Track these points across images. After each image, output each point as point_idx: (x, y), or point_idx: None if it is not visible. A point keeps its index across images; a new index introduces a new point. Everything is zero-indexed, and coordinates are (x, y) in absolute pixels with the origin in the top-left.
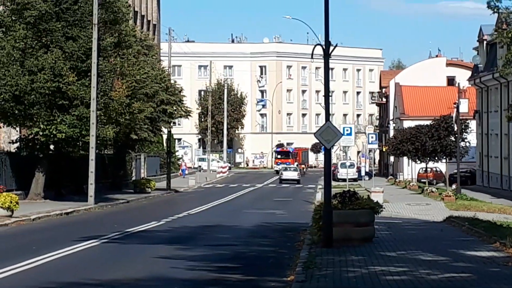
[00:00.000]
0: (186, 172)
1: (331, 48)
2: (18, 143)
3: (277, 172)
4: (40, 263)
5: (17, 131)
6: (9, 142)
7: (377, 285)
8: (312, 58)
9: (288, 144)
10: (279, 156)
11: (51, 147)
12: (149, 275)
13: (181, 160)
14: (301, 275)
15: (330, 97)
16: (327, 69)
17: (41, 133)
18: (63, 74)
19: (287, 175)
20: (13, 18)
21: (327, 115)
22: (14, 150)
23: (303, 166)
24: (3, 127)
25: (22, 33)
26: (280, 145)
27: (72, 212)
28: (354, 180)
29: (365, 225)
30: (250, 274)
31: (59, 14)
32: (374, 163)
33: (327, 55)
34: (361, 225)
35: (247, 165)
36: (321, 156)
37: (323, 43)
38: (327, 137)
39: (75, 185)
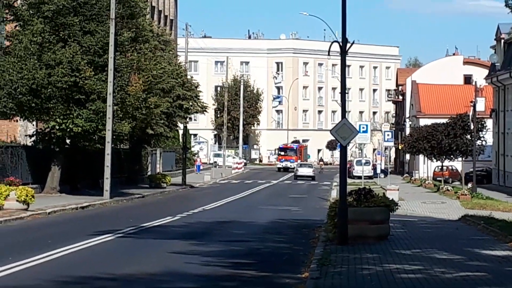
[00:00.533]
0: (201, 168)
1: (348, 45)
2: (34, 137)
3: (279, 169)
4: (55, 256)
5: (33, 124)
6: (26, 136)
7: (392, 283)
8: (329, 55)
9: (303, 141)
10: (282, 153)
11: (67, 141)
12: (164, 270)
13: (196, 156)
14: (316, 272)
15: (346, 94)
16: (343, 66)
17: (57, 127)
18: (80, 68)
19: (302, 171)
20: (31, 12)
21: (343, 112)
22: (30, 144)
23: (321, 163)
24: (20, 120)
25: (39, 27)
26: (297, 140)
27: (88, 206)
28: (370, 177)
29: (380, 222)
30: (265, 271)
31: (76, 8)
32: (390, 161)
33: (344, 52)
34: (376, 223)
35: (260, 161)
36: (336, 153)
37: (340, 40)
38: (343, 134)
39: (90, 179)
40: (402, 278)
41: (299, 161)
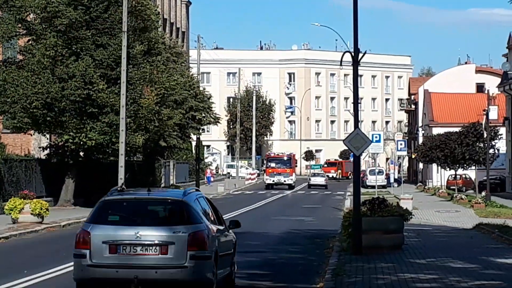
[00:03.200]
0: (212, 179)
1: (360, 55)
2: (48, 150)
3: (269, 186)
4: (70, 269)
5: (47, 138)
6: (39, 149)
7: None
8: (341, 65)
9: (316, 151)
10: (272, 165)
11: (81, 154)
12: None
13: (206, 167)
14: (331, 282)
15: (359, 104)
16: (356, 76)
17: (71, 140)
18: (93, 81)
19: (315, 180)
20: (44, 26)
21: (356, 122)
22: (44, 157)
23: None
24: (33, 134)
25: (52, 41)
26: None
27: None
28: (383, 187)
29: (394, 232)
30: (280, 281)
31: (89, 22)
32: (403, 170)
33: (356, 62)
34: (391, 232)
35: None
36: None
37: (352, 50)
38: (356, 144)
39: (104, 192)
40: None
41: (294, 174)
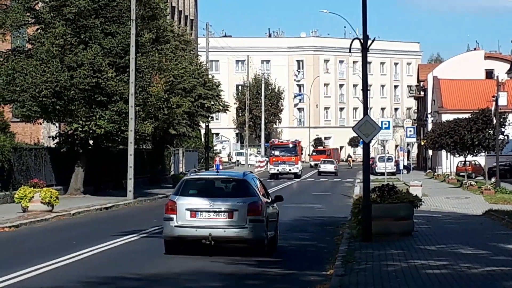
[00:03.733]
0: (220, 167)
1: (369, 42)
2: (57, 139)
3: (273, 176)
4: (80, 257)
5: (56, 126)
6: (49, 138)
7: (417, 279)
8: (350, 52)
9: (325, 138)
10: (276, 153)
11: (90, 142)
12: (189, 269)
13: (216, 154)
14: (341, 269)
15: (368, 91)
16: (365, 63)
17: (80, 129)
18: (102, 70)
19: (325, 167)
20: (52, 15)
21: (366, 108)
22: (53, 146)
23: (350, 159)
24: (43, 123)
25: (61, 30)
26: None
27: (112, 207)
28: (393, 174)
29: (404, 219)
30: (290, 268)
31: (97, 10)
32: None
33: (365, 49)
34: (400, 219)
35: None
36: (359, 150)
37: (361, 37)
38: (365, 131)
39: (114, 180)
40: (427, 274)
41: (300, 163)
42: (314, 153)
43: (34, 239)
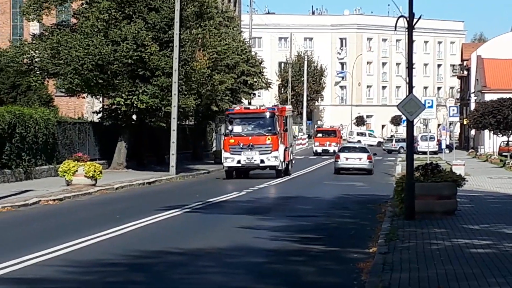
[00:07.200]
0: None
1: (415, 20)
2: (100, 113)
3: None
4: (124, 231)
5: (100, 101)
6: (92, 112)
7: (461, 258)
8: (395, 30)
9: (367, 116)
10: (319, 135)
11: (134, 117)
12: (232, 245)
13: None
14: (384, 247)
15: (412, 69)
16: (410, 41)
17: (123, 103)
18: (146, 44)
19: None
20: None
21: (410, 87)
22: (97, 120)
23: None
24: (86, 97)
25: (106, 4)
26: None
27: (154, 181)
28: (434, 153)
29: (447, 197)
30: (332, 245)
31: None
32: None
33: (410, 27)
34: (444, 198)
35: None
36: (400, 128)
37: (406, 14)
38: (410, 109)
39: (156, 155)
40: (471, 253)
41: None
42: (319, 134)
43: (77, 212)
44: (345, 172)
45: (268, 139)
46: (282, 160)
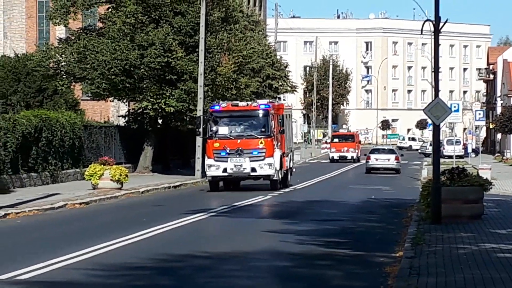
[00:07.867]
0: None
1: (441, 23)
2: (127, 117)
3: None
4: (150, 235)
5: (126, 105)
6: (118, 116)
7: (489, 263)
8: (421, 33)
9: (393, 120)
10: (336, 140)
11: (159, 121)
12: (258, 248)
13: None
14: (410, 251)
15: (439, 73)
16: (436, 44)
17: (150, 107)
18: (172, 49)
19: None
20: None
21: (436, 91)
22: (123, 124)
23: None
24: (112, 101)
25: (132, 8)
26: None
27: (180, 185)
28: (460, 157)
29: (474, 202)
30: (359, 249)
31: None
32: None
33: (437, 31)
34: (470, 202)
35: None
36: (426, 132)
37: (432, 18)
38: (436, 113)
39: (182, 159)
40: (498, 258)
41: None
42: (336, 139)
43: (104, 215)
44: (375, 172)
45: (261, 142)
46: (278, 168)
